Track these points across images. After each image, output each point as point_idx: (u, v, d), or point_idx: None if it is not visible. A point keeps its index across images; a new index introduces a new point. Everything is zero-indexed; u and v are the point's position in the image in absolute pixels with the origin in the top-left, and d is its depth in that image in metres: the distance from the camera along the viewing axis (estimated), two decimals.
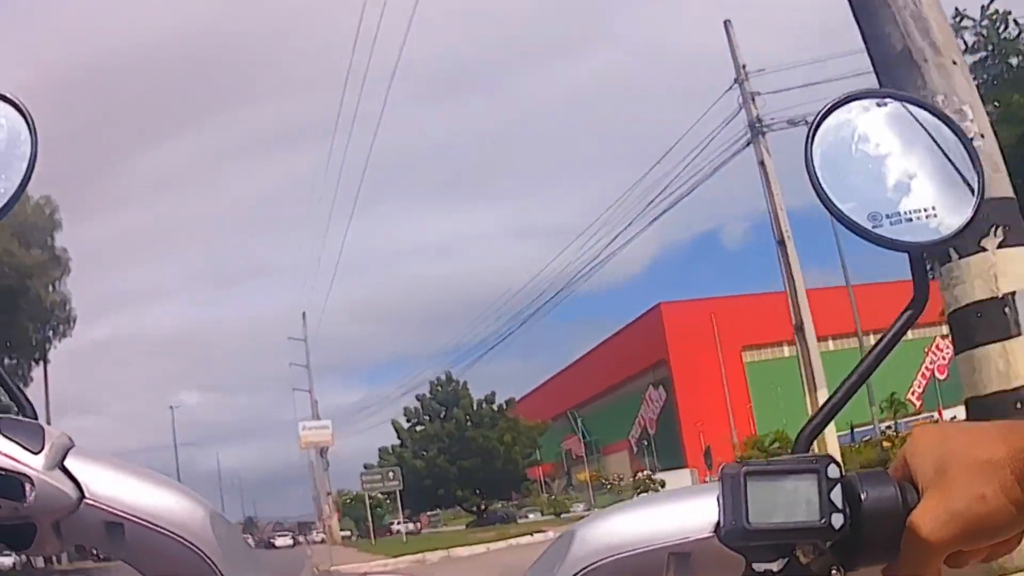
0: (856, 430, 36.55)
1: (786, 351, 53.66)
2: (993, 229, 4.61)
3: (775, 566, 0.61)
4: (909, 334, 0.69)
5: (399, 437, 52.05)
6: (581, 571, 0.61)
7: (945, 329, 5.13)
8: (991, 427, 0.59)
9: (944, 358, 62.59)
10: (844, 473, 0.61)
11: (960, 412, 6.31)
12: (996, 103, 10.90)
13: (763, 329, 53.43)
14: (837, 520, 0.59)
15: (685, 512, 0.61)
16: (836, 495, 0.59)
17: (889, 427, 39.78)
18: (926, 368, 62.25)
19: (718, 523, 0.60)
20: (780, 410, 47.37)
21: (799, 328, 18.43)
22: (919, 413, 51.44)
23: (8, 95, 0.70)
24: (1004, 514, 0.57)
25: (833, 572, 0.61)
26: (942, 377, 60.55)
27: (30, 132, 0.69)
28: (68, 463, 0.59)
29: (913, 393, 57.73)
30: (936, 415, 45.84)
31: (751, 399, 55.08)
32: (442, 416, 50.72)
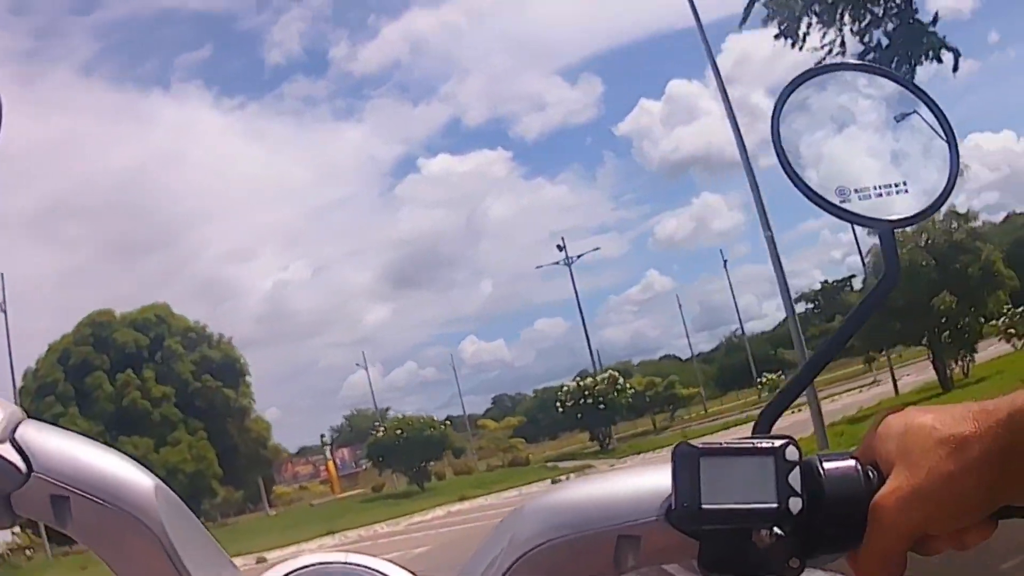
0: None
1: None
2: None
3: (730, 552, 0.58)
4: None
5: None
6: (527, 553, 0.59)
7: None
8: (960, 406, 0.57)
9: None
10: (804, 455, 0.58)
11: None
12: None
13: None
14: (795, 504, 0.57)
15: (635, 492, 0.59)
16: (794, 478, 0.57)
17: None
18: None
19: (670, 506, 0.58)
20: None
21: None
22: None
23: None
24: (972, 494, 0.54)
25: (790, 563, 0.58)
26: None
27: None
28: (18, 435, 0.59)
29: None
30: None
31: None
32: None
